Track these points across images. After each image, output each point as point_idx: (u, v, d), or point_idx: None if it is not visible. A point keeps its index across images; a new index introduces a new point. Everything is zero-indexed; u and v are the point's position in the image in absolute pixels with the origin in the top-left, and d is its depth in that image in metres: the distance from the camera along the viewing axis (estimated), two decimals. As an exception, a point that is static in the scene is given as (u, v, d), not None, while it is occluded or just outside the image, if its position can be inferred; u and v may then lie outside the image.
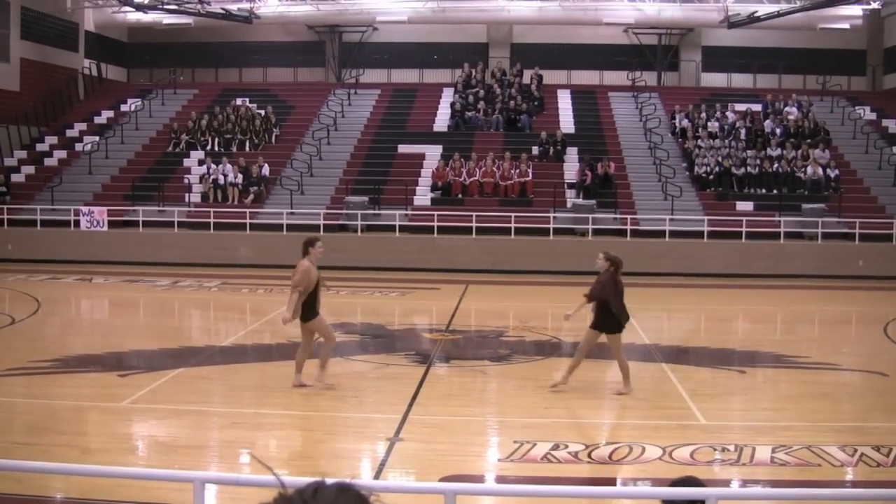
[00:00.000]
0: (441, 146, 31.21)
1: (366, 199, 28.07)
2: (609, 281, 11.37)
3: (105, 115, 34.38)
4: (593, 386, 12.31)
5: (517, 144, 30.80)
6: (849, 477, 8.64)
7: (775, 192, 28.45)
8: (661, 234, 26.63)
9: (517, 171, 28.90)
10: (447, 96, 34.79)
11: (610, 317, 11.38)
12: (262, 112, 33.09)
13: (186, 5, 34.87)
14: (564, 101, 34.79)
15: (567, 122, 33.07)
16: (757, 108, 32.73)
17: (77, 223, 27.56)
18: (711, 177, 28.90)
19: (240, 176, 29.07)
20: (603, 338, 11.63)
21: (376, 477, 8.27)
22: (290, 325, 17.27)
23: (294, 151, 31.44)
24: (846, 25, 35.09)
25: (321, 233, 27.03)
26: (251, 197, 28.66)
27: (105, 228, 27.63)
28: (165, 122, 33.63)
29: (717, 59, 38.58)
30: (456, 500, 4.83)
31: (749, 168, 29.03)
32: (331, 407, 10.97)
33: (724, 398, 11.76)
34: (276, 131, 32.77)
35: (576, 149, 30.85)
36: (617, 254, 11.64)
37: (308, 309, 11.41)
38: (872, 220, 26.45)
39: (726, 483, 8.38)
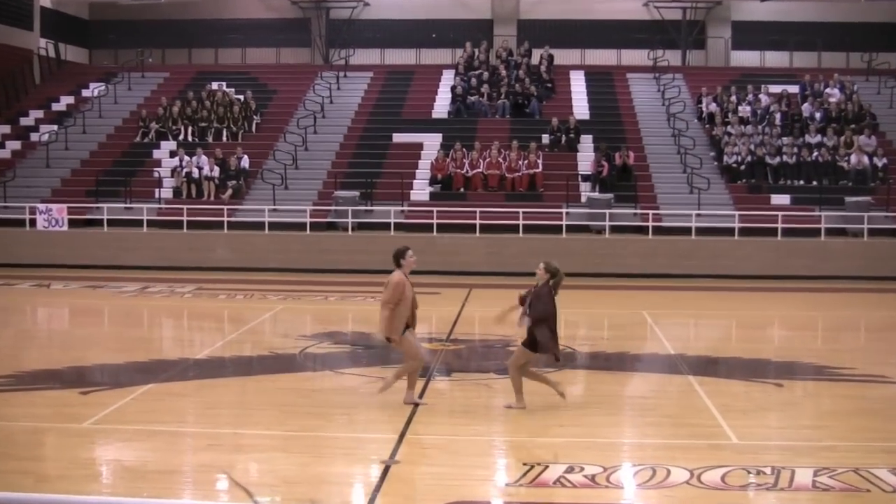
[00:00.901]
0: (440, 135, 31.16)
1: (357, 193, 28.04)
2: (548, 296, 11.24)
3: (64, 102, 34.34)
4: (612, 401, 12.26)
5: (525, 132, 30.75)
6: (900, 502, 8.58)
7: (815, 183, 28.39)
8: (686, 231, 26.60)
9: (525, 162, 28.86)
10: (447, 79, 34.74)
11: (532, 336, 11.28)
12: (241, 97, 33.05)
13: (155, -22, 34.90)
14: (578, 84, 34.74)
15: (581, 108, 33.04)
16: (794, 89, 32.68)
17: (33, 222, 27.53)
18: (743, 167, 28.85)
19: (216, 169, 29.03)
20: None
21: (369, 505, 8.23)
22: (279, 337, 17.22)
23: (277, 141, 31.41)
24: (893, -4, 35.03)
25: (307, 231, 27.05)
26: (229, 192, 28.62)
27: (65, 228, 27.59)
28: (132, 109, 33.58)
29: (749, 35, 38.52)
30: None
31: (785, 157, 28.98)
32: (318, 426, 10.93)
33: (760, 414, 11.71)
34: (256, 119, 32.73)
35: (591, 137, 30.81)
36: (559, 265, 11.46)
37: (394, 322, 11.39)
38: (923, 215, 26.44)
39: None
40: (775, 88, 32.64)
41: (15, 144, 31.80)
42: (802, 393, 13.36)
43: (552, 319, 11.25)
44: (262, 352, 15.59)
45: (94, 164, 30.52)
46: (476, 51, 35.09)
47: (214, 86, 33.98)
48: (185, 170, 29.12)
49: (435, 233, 26.89)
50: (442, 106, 33.34)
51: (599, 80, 35.12)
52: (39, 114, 33.55)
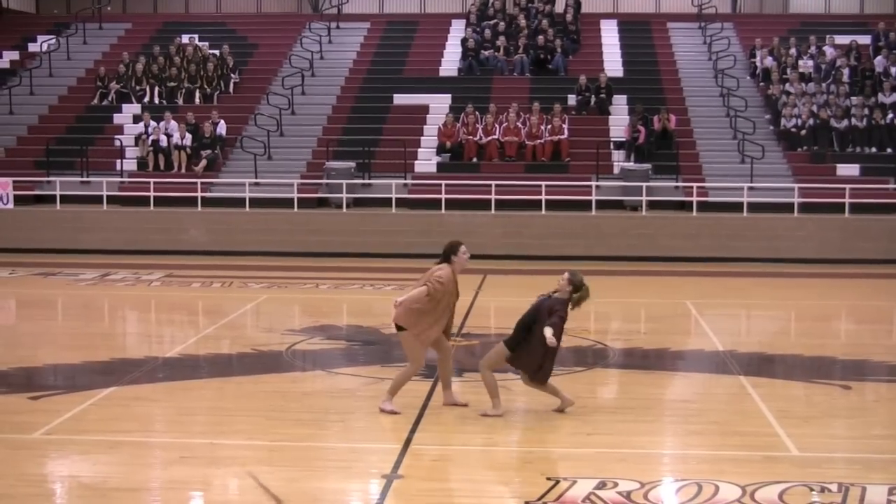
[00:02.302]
0: (449, 95, 31.15)
1: (352, 165, 28.03)
2: (563, 309, 11.29)
3: (7, 58, 34.36)
4: (650, 405, 12.26)
5: (548, 92, 30.70)
6: None
7: (889, 151, 28.32)
8: (737, 207, 26.55)
9: (548, 127, 28.82)
10: (457, 30, 34.67)
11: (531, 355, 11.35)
12: (216, 53, 33.02)
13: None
14: (609, 35, 34.64)
15: (613, 63, 32.95)
16: (865, 40, 32.55)
17: (-25, 199, 27.63)
18: (804, 132, 28.77)
19: (188, 136, 29.03)
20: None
21: (368, 526, 8.26)
22: (262, 332, 17.26)
23: (258, 104, 31.40)
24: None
25: (295, 209, 27.06)
26: (203, 163, 28.64)
27: (10, 206, 27.64)
28: (89, 67, 33.58)
29: (811, -24, 38.36)
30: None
31: (854, 120, 28.89)
32: (309, 435, 10.96)
33: (823, 422, 11.72)
34: (234, 78, 32.71)
35: (624, 97, 30.76)
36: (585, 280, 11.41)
37: (422, 318, 11.28)
38: None
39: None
40: (843, 39, 32.52)
41: (-48, 108, 31.86)
42: (874, 397, 13.34)
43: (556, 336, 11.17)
44: (243, 349, 15.62)
45: (43, 131, 30.53)
46: (490, -3, 35.00)
47: (185, 39, 33.93)
48: (151, 137, 29.12)
49: (443, 210, 26.88)
50: (451, 62, 33.28)
51: (635, 30, 35.00)
52: (-20, 72, 33.61)
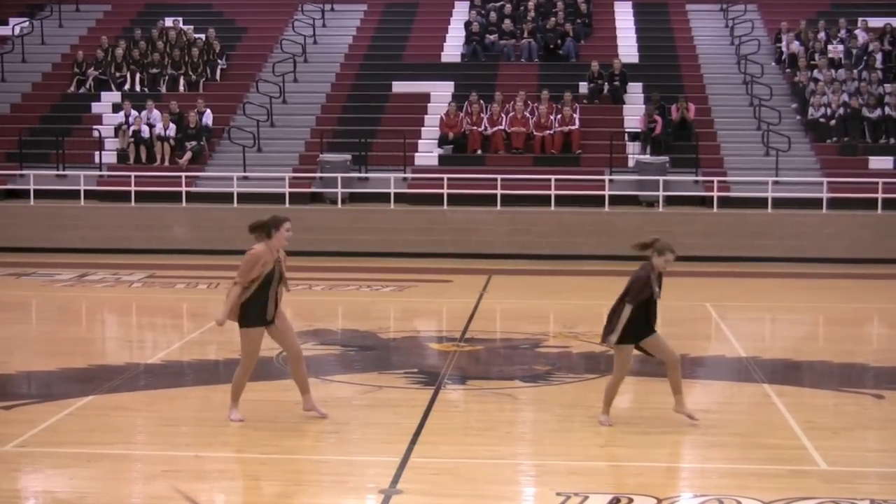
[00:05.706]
0: (452, 83, 31.16)
1: (348, 157, 28.04)
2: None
3: (-20, 43, 34.43)
4: (667, 415, 12.26)
5: (558, 80, 30.70)
6: None
7: (924, 142, 28.38)
8: (761, 203, 26.54)
9: (558, 116, 28.82)
10: (460, 13, 34.67)
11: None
12: (202, 37, 33.04)
13: None
14: (624, 19, 34.62)
15: (628, 48, 32.95)
16: (899, 23, 32.58)
17: (-56, 194, 27.68)
18: (833, 122, 28.76)
19: (172, 126, 29.04)
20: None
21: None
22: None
23: (247, 92, 31.42)
24: None
25: (286, 204, 27.07)
26: (188, 156, 28.64)
27: (-17, 201, 27.70)
28: (65, 52, 33.59)
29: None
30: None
31: (888, 109, 28.87)
32: (302, 448, 10.97)
33: (854, 434, 11.71)
34: (221, 64, 32.72)
35: (640, 85, 30.76)
36: None
37: (247, 310, 11.53)
38: None
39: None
40: (876, 22, 32.51)
41: (-81, 96, 31.91)
42: (908, 406, 13.36)
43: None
44: (231, 355, 15.62)
45: (16, 121, 30.54)
46: (497, -23, 35.03)
47: (168, 22, 33.96)
48: (132, 128, 29.13)
49: (445, 206, 26.87)
50: (454, 47, 33.28)
51: (651, 12, 34.99)
52: (-51, 58, 33.64)
